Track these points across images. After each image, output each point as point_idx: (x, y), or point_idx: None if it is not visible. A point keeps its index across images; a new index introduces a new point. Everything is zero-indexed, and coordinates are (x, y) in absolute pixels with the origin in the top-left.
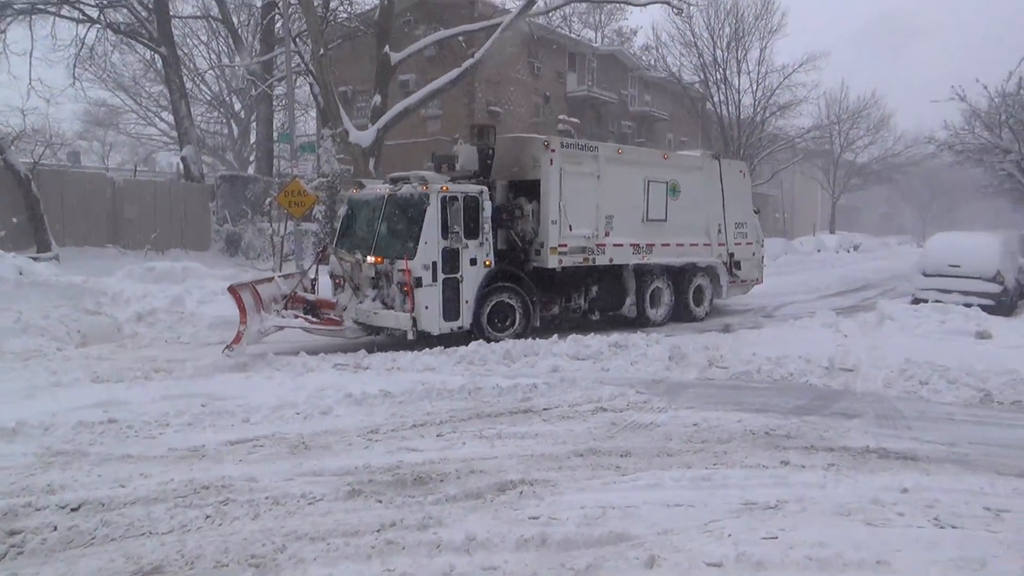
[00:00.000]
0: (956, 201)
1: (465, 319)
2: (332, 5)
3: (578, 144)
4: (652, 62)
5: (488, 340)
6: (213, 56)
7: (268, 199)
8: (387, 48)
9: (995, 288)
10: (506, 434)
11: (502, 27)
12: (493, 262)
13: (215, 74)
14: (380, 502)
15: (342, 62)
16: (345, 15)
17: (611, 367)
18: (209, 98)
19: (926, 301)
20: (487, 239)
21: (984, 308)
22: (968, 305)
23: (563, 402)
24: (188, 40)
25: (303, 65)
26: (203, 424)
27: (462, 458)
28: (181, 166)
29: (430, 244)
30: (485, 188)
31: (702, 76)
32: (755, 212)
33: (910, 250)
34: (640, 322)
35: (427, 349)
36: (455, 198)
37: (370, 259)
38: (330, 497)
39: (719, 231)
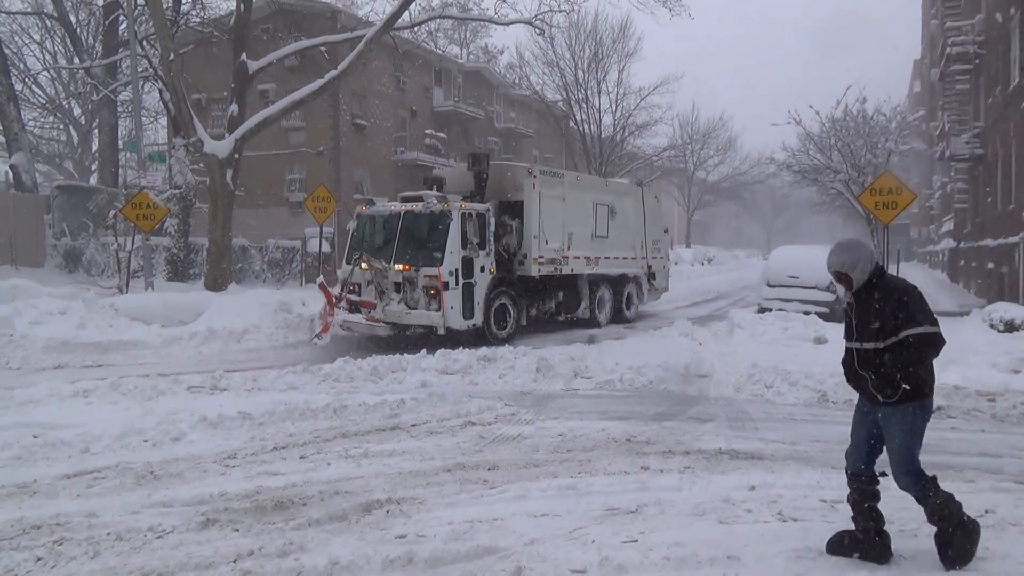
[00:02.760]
0: (796, 216)
1: (478, 318)
2: (184, 8)
3: (550, 172)
4: (517, 80)
5: (494, 337)
6: (48, 56)
7: (112, 211)
8: (244, 56)
9: (829, 297)
10: (373, 452)
11: (365, 39)
12: (495, 270)
13: (50, 76)
14: (237, 530)
15: (196, 68)
16: (198, 19)
17: (480, 380)
18: (43, 102)
19: (771, 310)
20: (491, 250)
21: (820, 315)
22: (807, 313)
23: (431, 417)
24: (17, 38)
25: (151, 70)
26: (35, 457)
27: (326, 480)
28: (10, 175)
29: (454, 253)
30: (490, 206)
31: (565, 95)
32: (664, 231)
33: (757, 262)
34: (591, 323)
35: (289, 368)
36: (471, 215)
37: (397, 267)
38: (181, 529)
39: (642, 246)
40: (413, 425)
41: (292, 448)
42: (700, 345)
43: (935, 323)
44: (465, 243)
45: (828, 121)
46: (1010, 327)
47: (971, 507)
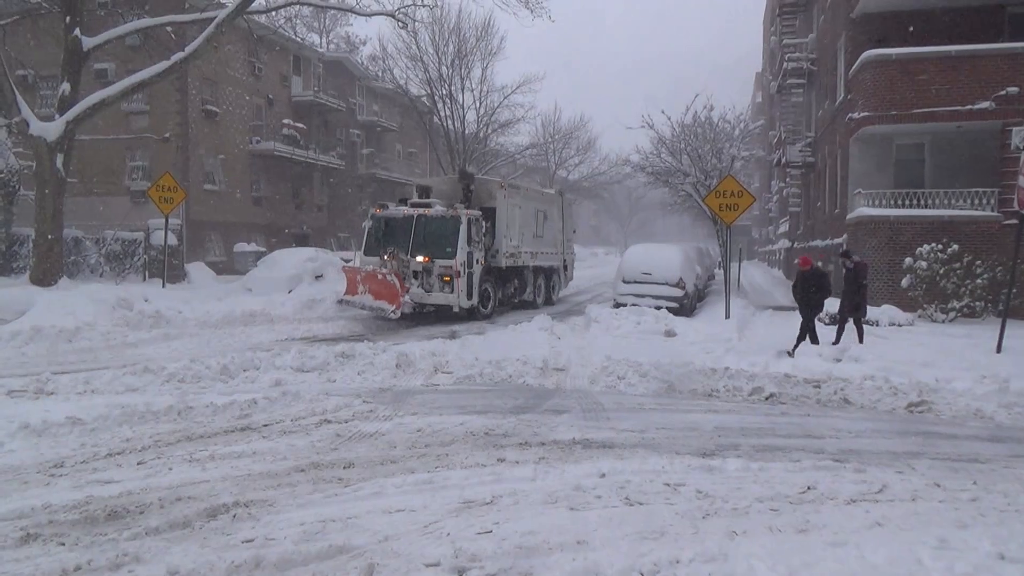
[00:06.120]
0: (651, 216)
1: (475, 299)
2: None
3: (514, 185)
4: (380, 73)
5: (481, 314)
6: None
7: None
8: (78, 31)
9: (678, 293)
10: (220, 455)
11: (216, 22)
12: (484, 262)
13: None
14: (63, 544)
15: (22, 41)
16: None
17: (338, 378)
18: None
19: (625, 305)
20: (483, 246)
21: (670, 310)
22: (658, 308)
23: (285, 416)
24: None
25: None
26: None
27: (167, 485)
28: None
29: (463, 249)
30: (480, 212)
31: (429, 90)
32: (573, 231)
33: (615, 259)
34: (533, 305)
35: (128, 368)
36: (473, 218)
37: (418, 258)
38: None
39: (561, 244)
40: (265, 425)
41: (129, 454)
42: (559, 339)
43: None
44: (469, 241)
45: (678, 126)
46: (835, 320)
47: (795, 484)
